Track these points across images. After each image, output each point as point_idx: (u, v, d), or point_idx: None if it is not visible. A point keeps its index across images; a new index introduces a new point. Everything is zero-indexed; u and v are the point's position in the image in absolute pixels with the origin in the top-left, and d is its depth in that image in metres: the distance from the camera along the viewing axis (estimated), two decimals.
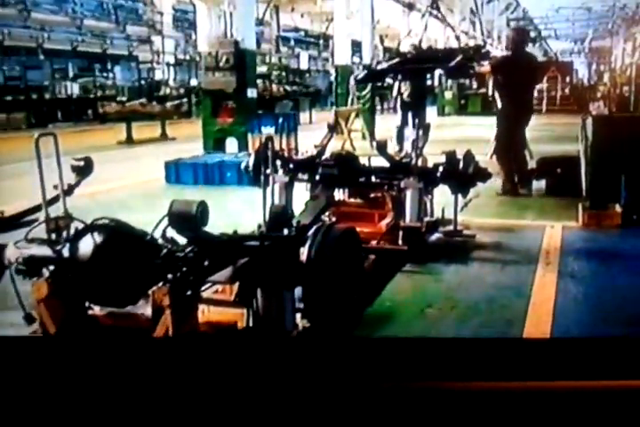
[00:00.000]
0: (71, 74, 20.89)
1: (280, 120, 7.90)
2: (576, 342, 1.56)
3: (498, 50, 21.38)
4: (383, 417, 1.27)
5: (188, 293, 2.12)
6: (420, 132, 4.34)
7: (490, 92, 6.76)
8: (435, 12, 15.78)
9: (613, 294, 3.31)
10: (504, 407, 1.28)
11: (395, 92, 7.40)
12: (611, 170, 4.69)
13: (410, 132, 4.42)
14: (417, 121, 4.42)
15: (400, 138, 4.53)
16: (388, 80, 5.31)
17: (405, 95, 4.69)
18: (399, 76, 4.89)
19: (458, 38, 16.09)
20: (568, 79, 19.29)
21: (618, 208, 4.67)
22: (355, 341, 2.01)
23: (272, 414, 1.27)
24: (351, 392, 1.30)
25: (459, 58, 4.53)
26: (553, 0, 26.19)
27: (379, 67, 5.19)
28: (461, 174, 4.04)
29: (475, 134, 9.48)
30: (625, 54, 21.43)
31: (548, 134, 9.93)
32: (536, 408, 1.27)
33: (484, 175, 4.18)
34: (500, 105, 6.27)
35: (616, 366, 1.34)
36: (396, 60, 4.88)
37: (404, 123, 4.56)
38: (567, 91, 18.28)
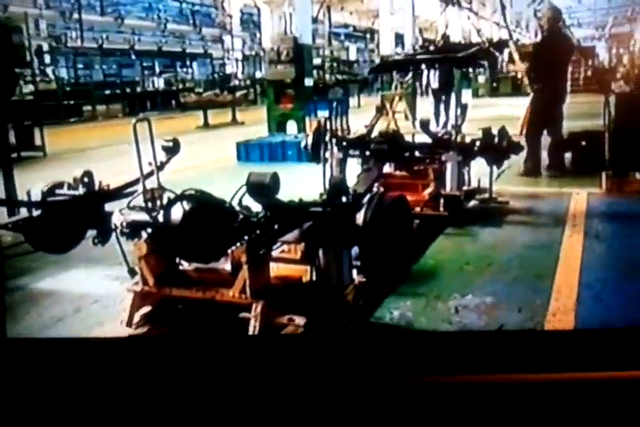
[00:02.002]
0: (157, 70, 21.15)
1: (333, 105, 7.79)
2: (594, 334, 1.42)
3: (526, 38, 20.44)
4: (397, 412, 1.16)
5: (262, 251, 2.13)
6: (459, 112, 4.22)
7: (520, 75, 6.22)
8: (465, 4, 15.20)
9: (633, 252, 3.17)
10: (513, 400, 1.16)
11: (424, 81, 7.18)
12: (631, 141, 4.50)
13: (442, 115, 4.33)
14: (446, 104, 4.33)
15: (437, 120, 4.44)
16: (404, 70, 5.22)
17: (433, 83, 4.60)
18: (410, 67, 4.82)
19: (479, 31, 15.42)
20: (590, 62, 18.31)
21: (638, 176, 4.51)
22: (375, 335, 1.87)
23: (278, 410, 1.18)
24: (366, 386, 1.19)
25: (469, 51, 4.37)
26: None
27: (390, 59, 5.09)
28: (496, 148, 3.93)
29: (506, 113, 9.10)
30: None
31: (572, 112, 9.44)
32: (548, 400, 1.14)
33: (516, 148, 4.07)
34: (535, 85, 5.44)
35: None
36: (411, 52, 4.77)
37: (437, 107, 4.47)
38: (589, 73, 17.37)
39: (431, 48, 5.59)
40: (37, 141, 8.00)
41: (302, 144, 4.15)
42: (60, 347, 1.40)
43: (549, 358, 1.24)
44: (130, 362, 1.30)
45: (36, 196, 2.00)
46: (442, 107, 7.06)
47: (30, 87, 11.37)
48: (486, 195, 4.16)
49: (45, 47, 17.64)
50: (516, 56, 5.87)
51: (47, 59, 17.54)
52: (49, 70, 16.84)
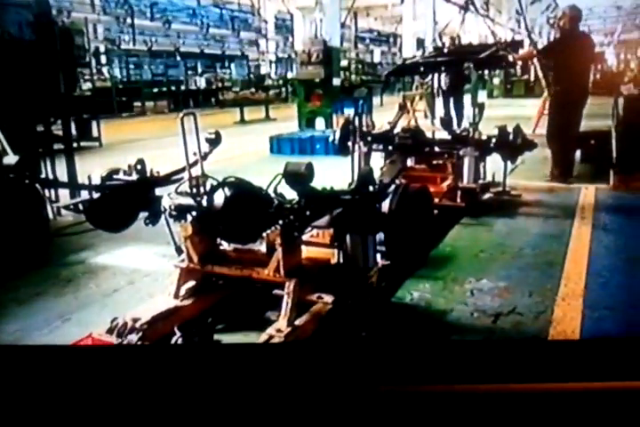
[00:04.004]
0: (199, 70, 21.22)
1: (358, 103, 7.74)
2: (601, 343, 1.31)
3: (539, 44, 19.92)
4: (395, 421, 1.04)
5: (295, 235, 2.11)
6: (476, 111, 4.12)
7: (534, 76, 5.85)
8: (482, 11, 14.79)
9: (638, 242, 3.09)
10: (516, 409, 1.04)
11: (435, 82, 6.91)
12: (638, 140, 4.35)
13: (451, 114, 4.19)
14: (456, 105, 4.19)
15: (445, 121, 4.27)
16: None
17: (443, 84, 4.44)
18: (424, 69, 4.62)
19: (493, 33, 14.89)
20: (600, 67, 17.76)
21: None
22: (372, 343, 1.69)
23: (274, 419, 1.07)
24: (368, 395, 1.06)
25: (484, 54, 4.14)
26: (587, 0, 24.13)
27: (407, 62, 4.90)
28: (511, 145, 3.84)
29: (519, 113, 8.93)
30: None
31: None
32: (552, 409, 1.03)
33: (529, 145, 3.96)
34: (554, 87, 4.81)
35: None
36: (423, 55, 4.59)
37: (446, 107, 4.32)
38: (598, 76, 16.86)
39: (445, 50, 5.34)
40: (94, 133, 8.12)
41: (330, 139, 4.10)
42: (43, 355, 1.26)
43: (552, 367, 1.12)
44: (117, 372, 1.16)
45: (96, 180, 2.02)
46: (451, 107, 6.83)
47: (88, 85, 11.50)
48: (500, 188, 4.08)
49: (102, 49, 17.83)
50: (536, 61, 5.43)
51: (103, 59, 17.72)
52: (104, 70, 17.02)
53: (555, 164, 4.74)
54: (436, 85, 7.34)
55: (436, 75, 6.60)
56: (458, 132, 3.97)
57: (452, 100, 6.90)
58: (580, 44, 4.69)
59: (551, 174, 4.74)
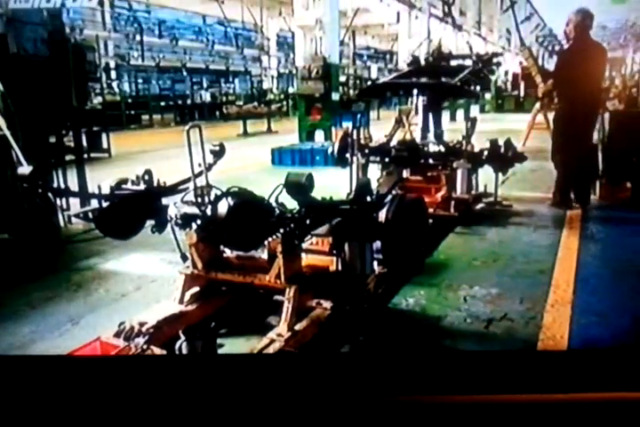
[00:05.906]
0: (204, 85, 21.32)
1: (357, 117, 7.78)
2: (590, 354, 1.24)
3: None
4: None
5: (295, 243, 2.11)
6: (469, 124, 4.13)
7: (524, 92, 5.68)
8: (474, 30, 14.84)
9: (624, 251, 3.10)
10: (506, 420, 1.01)
11: (414, 100, 6.80)
12: (624, 153, 4.38)
13: (430, 131, 4.14)
14: (435, 121, 4.13)
15: (424, 135, 4.27)
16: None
17: (421, 102, 4.35)
18: (400, 91, 4.55)
19: (470, 48, 14.72)
20: None
21: (628, 184, 4.36)
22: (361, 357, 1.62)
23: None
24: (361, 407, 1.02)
25: (460, 75, 3.82)
26: None
27: (378, 82, 4.82)
28: (502, 157, 3.86)
29: (510, 127, 8.97)
30: (633, 63, 19.60)
31: None
32: (541, 420, 1.00)
33: (520, 158, 3.98)
34: (561, 102, 4.13)
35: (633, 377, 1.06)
36: (396, 75, 4.52)
37: (425, 123, 4.28)
38: None
39: (422, 63, 5.14)
40: (104, 144, 8.14)
41: (329, 151, 4.12)
42: (41, 365, 1.18)
43: (541, 378, 1.09)
44: (115, 382, 1.10)
45: (105, 189, 2.02)
46: (430, 123, 6.74)
47: (99, 99, 11.56)
48: (492, 198, 4.09)
49: (112, 65, 17.94)
50: (538, 78, 4.98)
51: (113, 74, 17.82)
52: (114, 84, 17.10)
53: (557, 187, 4.15)
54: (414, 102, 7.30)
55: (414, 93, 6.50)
56: (451, 144, 3.97)
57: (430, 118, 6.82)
58: (590, 54, 3.96)
59: (553, 199, 4.15)
